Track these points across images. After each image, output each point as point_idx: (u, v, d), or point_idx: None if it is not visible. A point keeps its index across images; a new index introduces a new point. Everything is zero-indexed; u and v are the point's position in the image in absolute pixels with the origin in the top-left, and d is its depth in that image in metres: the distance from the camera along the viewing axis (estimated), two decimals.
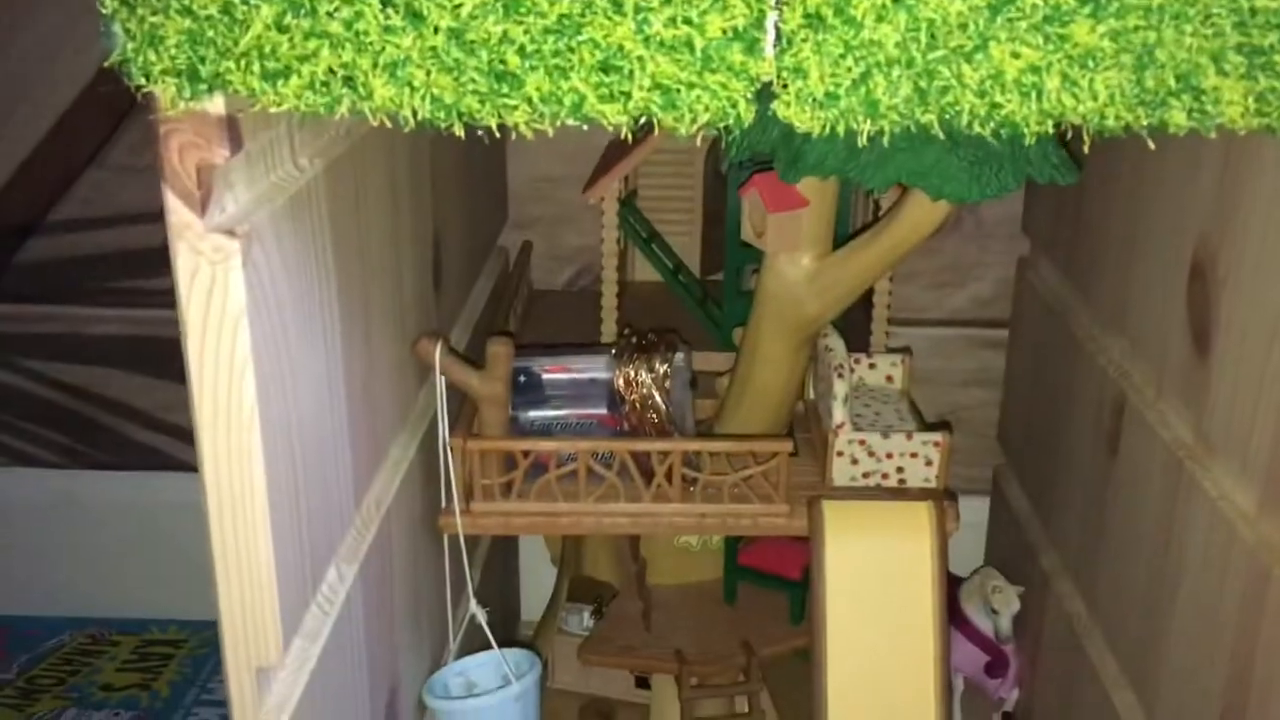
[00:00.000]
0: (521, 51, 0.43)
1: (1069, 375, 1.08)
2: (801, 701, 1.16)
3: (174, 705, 1.29)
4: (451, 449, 0.82)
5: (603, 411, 0.87)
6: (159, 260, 1.30)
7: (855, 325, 1.02)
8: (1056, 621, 1.09)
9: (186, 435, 1.52)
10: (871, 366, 0.98)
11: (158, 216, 0.50)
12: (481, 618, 0.85)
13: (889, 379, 0.98)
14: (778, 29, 0.44)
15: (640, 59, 0.43)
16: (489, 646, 0.88)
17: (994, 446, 1.37)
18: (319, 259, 0.60)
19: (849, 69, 0.43)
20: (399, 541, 0.78)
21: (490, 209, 1.19)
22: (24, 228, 1.33)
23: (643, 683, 1.18)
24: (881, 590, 0.83)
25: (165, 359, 1.36)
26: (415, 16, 0.42)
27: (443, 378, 0.81)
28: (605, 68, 0.43)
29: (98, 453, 1.42)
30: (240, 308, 0.49)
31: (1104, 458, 0.98)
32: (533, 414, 0.87)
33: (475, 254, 1.10)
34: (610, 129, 0.45)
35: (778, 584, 1.05)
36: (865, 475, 0.87)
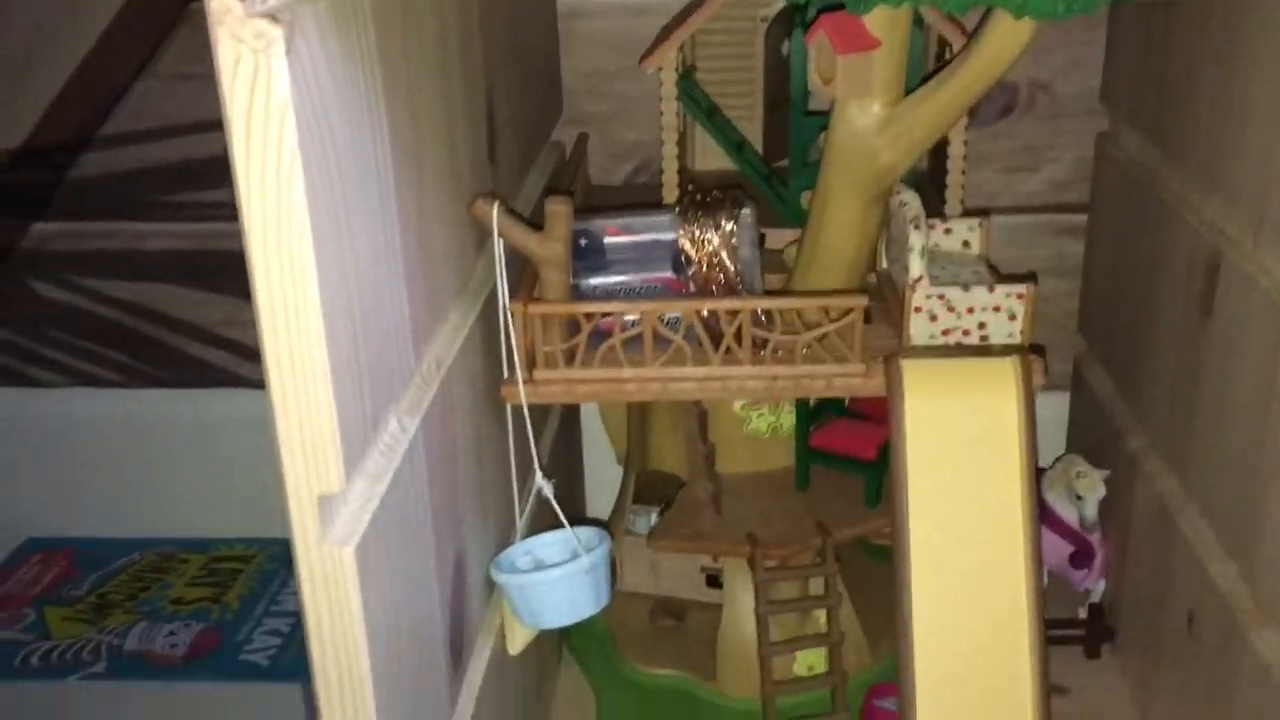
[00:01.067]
0: None
1: (1155, 244, 1.03)
2: (875, 600, 1.14)
3: (244, 617, 1.28)
4: (512, 314, 0.79)
5: (668, 274, 0.83)
6: (213, 172, 1.29)
7: (926, 202, 0.97)
8: (1146, 502, 1.04)
9: (246, 351, 1.51)
10: (947, 232, 0.93)
11: (210, 126, 0.47)
12: (548, 491, 0.82)
13: (966, 245, 0.93)
14: None
15: None
16: (557, 527, 0.85)
17: (1072, 339, 1.32)
18: (366, 79, 0.57)
19: None
20: (461, 407, 0.76)
21: (544, 98, 1.15)
22: (76, 144, 1.32)
23: (713, 581, 1.15)
24: (966, 453, 0.79)
25: (222, 273, 1.34)
26: None
27: (501, 241, 0.77)
28: None
29: (157, 370, 1.41)
30: (286, 98, 0.46)
31: (1196, 321, 0.93)
32: (594, 280, 0.83)
33: (530, 141, 1.07)
34: None
35: (852, 466, 1.01)
36: (945, 333, 0.82)
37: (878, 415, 1.03)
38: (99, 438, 1.42)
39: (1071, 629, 1.15)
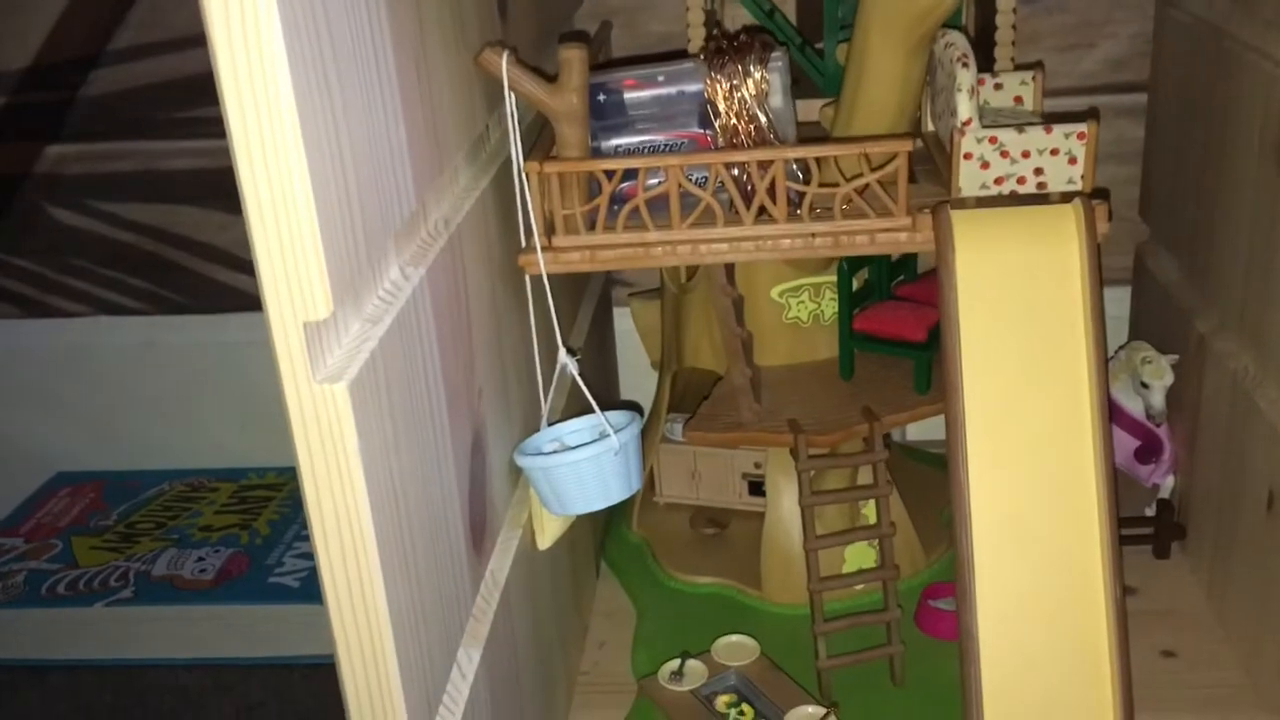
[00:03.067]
0: None
1: (1224, 102, 0.95)
2: (929, 505, 1.08)
3: (274, 542, 1.24)
4: (526, 175, 0.73)
5: (695, 130, 0.77)
6: None
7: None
8: (1218, 384, 0.97)
9: None
10: (997, 87, 0.86)
11: None
12: (573, 368, 0.77)
13: (1018, 100, 0.86)
14: None
15: None
16: (586, 413, 0.80)
17: (1133, 230, 1.25)
18: None
19: None
20: (475, 273, 0.70)
21: None
22: (86, 60, 1.28)
23: (756, 489, 1.09)
24: (1025, 311, 0.73)
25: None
26: None
27: (513, 95, 0.72)
28: None
29: (182, 296, 1.37)
30: None
31: (1273, 176, 0.86)
32: (615, 141, 0.77)
33: (547, 18, 1.00)
34: None
35: (900, 350, 0.95)
36: (998, 181, 0.75)
37: (927, 299, 0.97)
38: (125, 367, 1.39)
39: (1139, 528, 1.08)
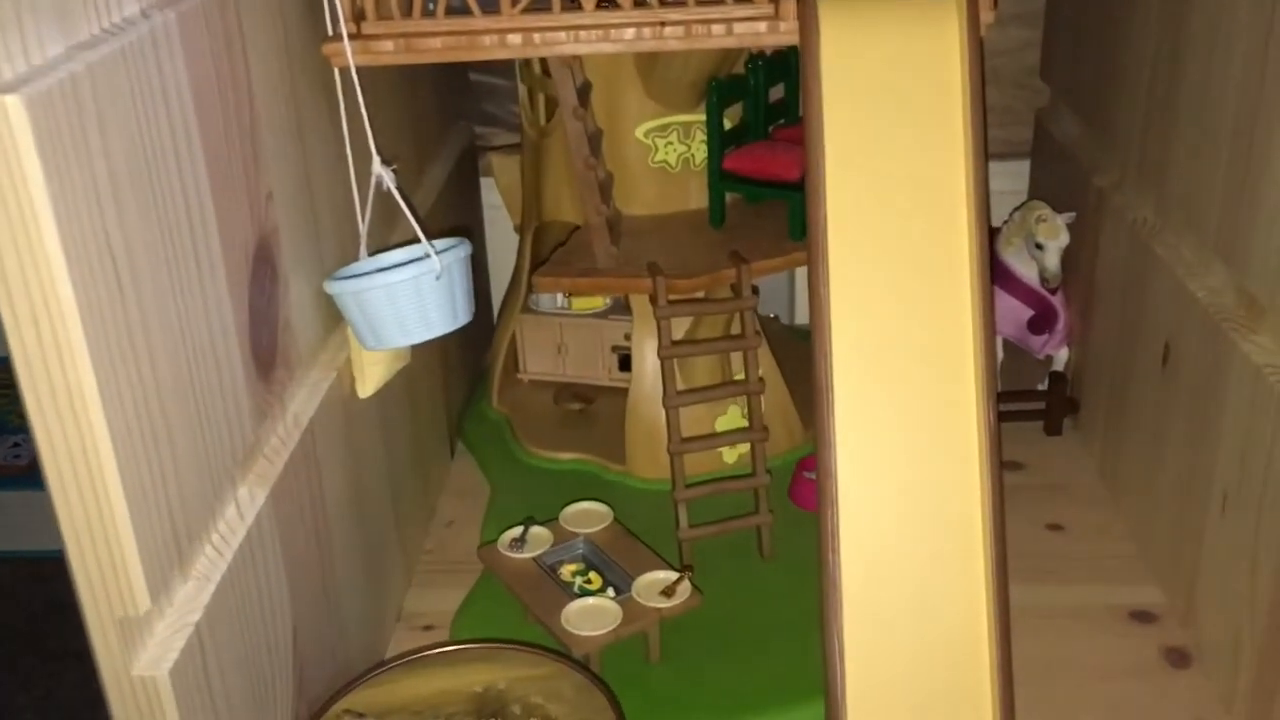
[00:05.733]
0: None
1: None
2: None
3: None
4: None
5: None
6: None
7: None
8: (1116, 238, 0.90)
9: None
10: None
11: None
12: (389, 180, 0.67)
13: None
14: None
15: None
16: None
17: (1032, 100, 1.17)
18: None
19: None
20: (260, 55, 0.60)
21: None
22: None
23: (627, 364, 1.00)
24: (897, 113, 0.64)
25: None
26: None
27: None
28: None
29: None
30: None
31: (1172, 33, 0.78)
32: None
33: None
34: None
35: (773, 191, 0.86)
36: None
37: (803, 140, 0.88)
38: None
39: (1030, 402, 1.02)
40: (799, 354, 1.04)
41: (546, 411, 1.04)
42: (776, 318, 1.19)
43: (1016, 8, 1.15)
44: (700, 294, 0.83)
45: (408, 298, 0.65)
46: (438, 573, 0.88)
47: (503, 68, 1.17)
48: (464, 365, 1.08)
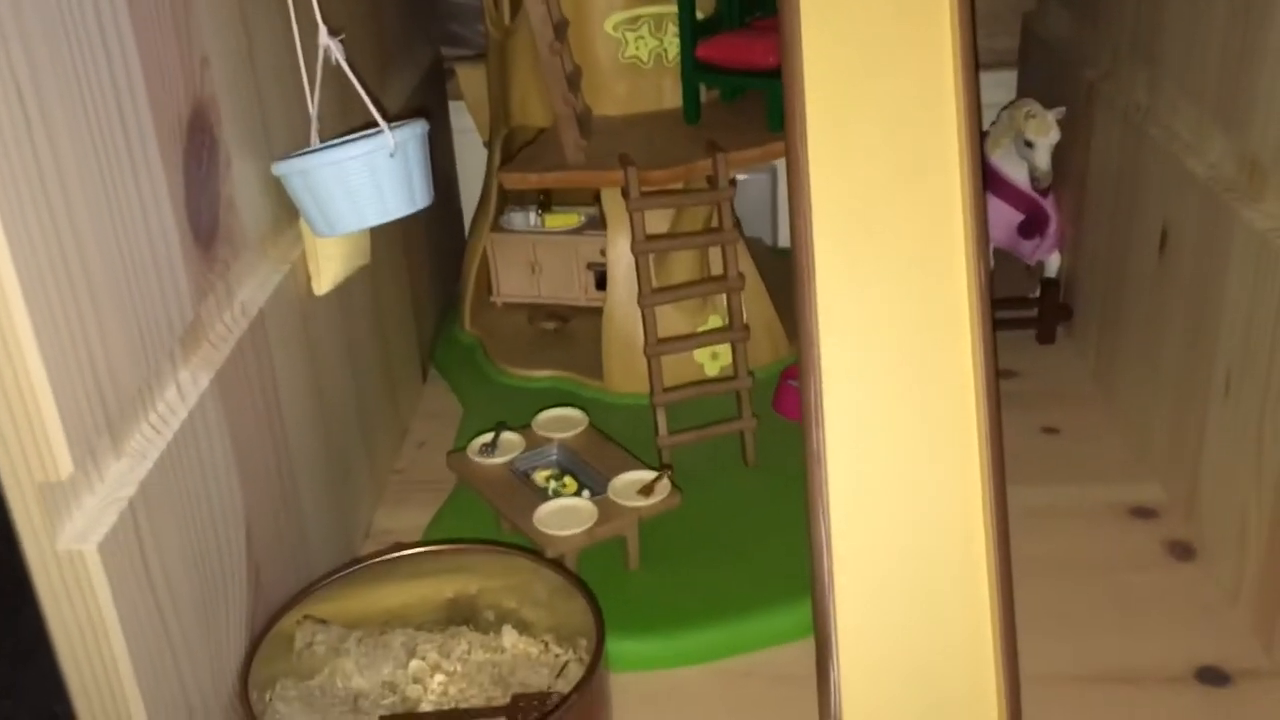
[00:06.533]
0: None
1: None
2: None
3: None
4: None
5: None
6: None
7: None
8: (1108, 128, 0.87)
9: None
10: None
11: None
12: (338, 53, 0.63)
13: None
14: None
15: None
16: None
17: (1017, 3, 1.14)
18: None
19: None
20: None
21: None
22: None
23: (603, 282, 0.96)
24: (880, 27, 0.60)
25: None
26: None
27: None
28: None
29: None
30: None
31: None
32: None
33: None
34: None
35: (749, 80, 0.82)
36: None
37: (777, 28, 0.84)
38: None
39: (1022, 309, 0.98)
40: (783, 272, 1.00)
41: (521, 332, 1.00)
42: (759, 240, 1.15)
43: None
44: (677, 185, 0.79)
45: (360, 176, 0.61)
46: (409, 491, 0.84)
47: None
48: (434, 290, 1.04)
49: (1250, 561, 0.66)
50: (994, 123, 0.98)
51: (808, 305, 0.57)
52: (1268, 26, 0.63)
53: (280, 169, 0.62)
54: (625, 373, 0.88)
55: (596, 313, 0.93)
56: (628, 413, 0.87)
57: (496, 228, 1.00)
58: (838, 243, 0.59)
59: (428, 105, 1.06)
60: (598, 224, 0.97)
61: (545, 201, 1.02)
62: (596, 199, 0.96)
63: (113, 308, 0.47)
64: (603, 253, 0.95)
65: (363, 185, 0.62)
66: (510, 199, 1.03)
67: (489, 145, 1.00)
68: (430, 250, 1.03)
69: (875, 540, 0.58)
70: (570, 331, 0.99)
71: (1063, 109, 0.92)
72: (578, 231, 1.00)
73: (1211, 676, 0.64)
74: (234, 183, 0.60)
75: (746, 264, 0.83)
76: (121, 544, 0.46)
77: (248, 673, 0.56)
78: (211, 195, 0.57)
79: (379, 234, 0.80)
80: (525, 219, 1.02)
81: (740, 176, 1.12)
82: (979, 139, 0.63)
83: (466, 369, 0.98)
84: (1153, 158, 0.78)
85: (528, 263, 1.01)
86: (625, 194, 0.76)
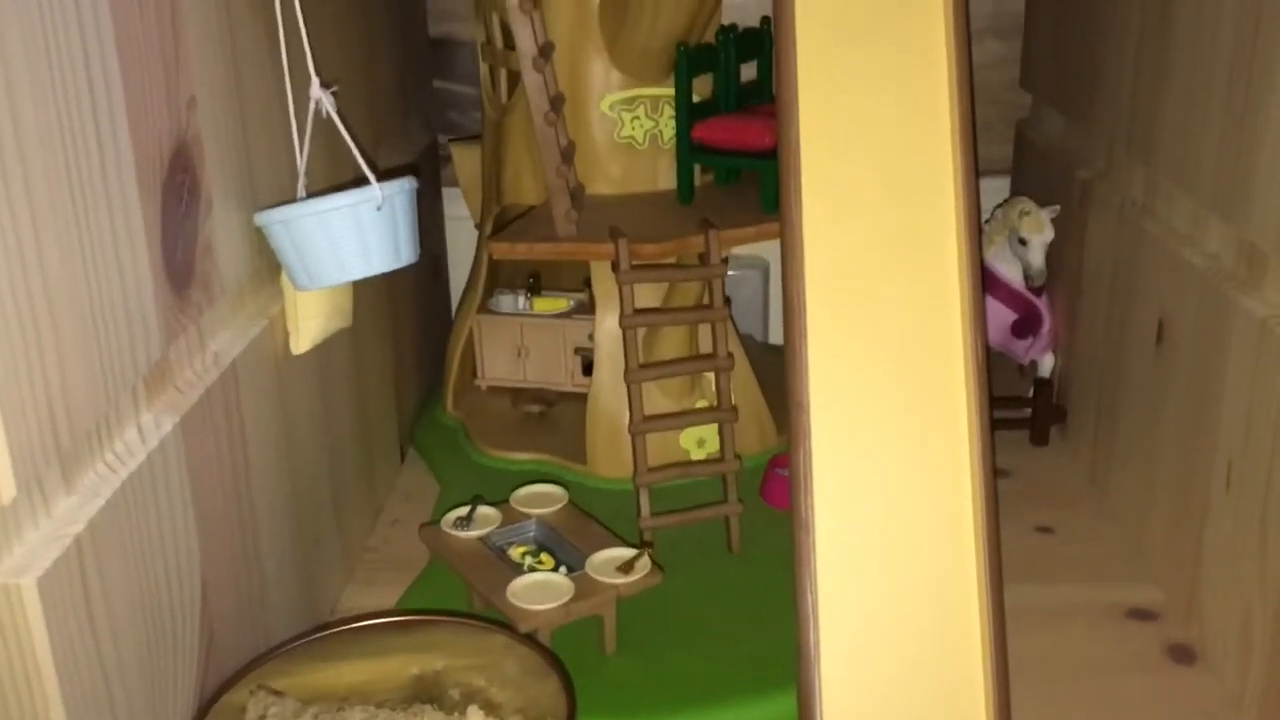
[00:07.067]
0: None
1: None
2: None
3: None
4: None
5: None
6: None
7: None
8: (1103, 227, 0.86)
9: None
10: None
11: None
12: (329, 105, 0.62)
13: None
14: None
15: None
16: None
17: (1011, 113, 1.15)
18: None
19: None
20: None
21: None
22: None
23: (591, 368, 0.95)
24: (873, 51, 0.60)
25: None
26: None
27: None
28: None
29: None
30: None
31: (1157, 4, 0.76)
32: None
33: None
34: None
35: (744, 162, 0.82)
36: None
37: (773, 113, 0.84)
38: None
39: (1015, 409, 0.96)
40: (775, 367, 0.99)
41: (504, 416, 0.98)
42: (751, 336, 1.14)
43: (992, 22, 1.13)
44: (669, 261, 0.78)
45: (345, 228, 0.60)
46: (380, 569, 0.81)
47: (466, 75, 1.14)
48: (418, 373, 1.03)
49: (1255, 665, 0.63)
50: (987, 221, 0.98)
51: (799, 370, 0.56)
52: (1264, 114, 0.62)
53: (263, 219, 0.61)
54: (609, 456, 0.86)
55: (582, 398, 0.91)
56: (611, 498, 0.84)
57: (484, 309, 0.99)
58: (833, 311, 0.58)
59: (421, 185, 1.06)
60: (587, 309, 0.96)
61: (535, 285, 1.01)
62: (587, 284, 0.94)
63: (73, 334, 0.45)
64: (591, 337, 0.94)
65: (347, 238, 0.60)
66: (499, 282, 1.01)
67: (479, 227, 0.99)
68: (416, 331, 1.01)
69: (865, 612, 0.55)
70: (555, 416, 0.97)
71: (1057, 207, 0.92)
72: (566, 315, 0.98)
73: None
74: (213, 227, 0.58)
75: (736, 348, 0.82)
76: (64, 582, 0.43)
77: None
78: (189, 236, 0.56)
79: (363, 310, 0.79)
80: (514, 302, 1.01)
81: (732, 273, 1.12)
82: (977, 214, 0.62)
83: (447, 450, 0.95)
84: (1148, 251, 0.78)
85: (514, 345, 1.00)
86: (615, 267, 0.74)
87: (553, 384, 0.99)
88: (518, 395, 1.00)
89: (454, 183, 1.10)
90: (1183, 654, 0.70)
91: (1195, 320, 0.70)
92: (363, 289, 0.80)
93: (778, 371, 0.95)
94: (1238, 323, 0.64)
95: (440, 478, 0.92)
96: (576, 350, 0.99)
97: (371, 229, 0.61)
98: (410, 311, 0.99)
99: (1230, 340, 0.65)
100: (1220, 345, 0.67)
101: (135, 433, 0.50)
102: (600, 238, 0.76)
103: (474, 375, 1.02)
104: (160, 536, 0.51)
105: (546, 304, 1.00)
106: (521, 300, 1.01)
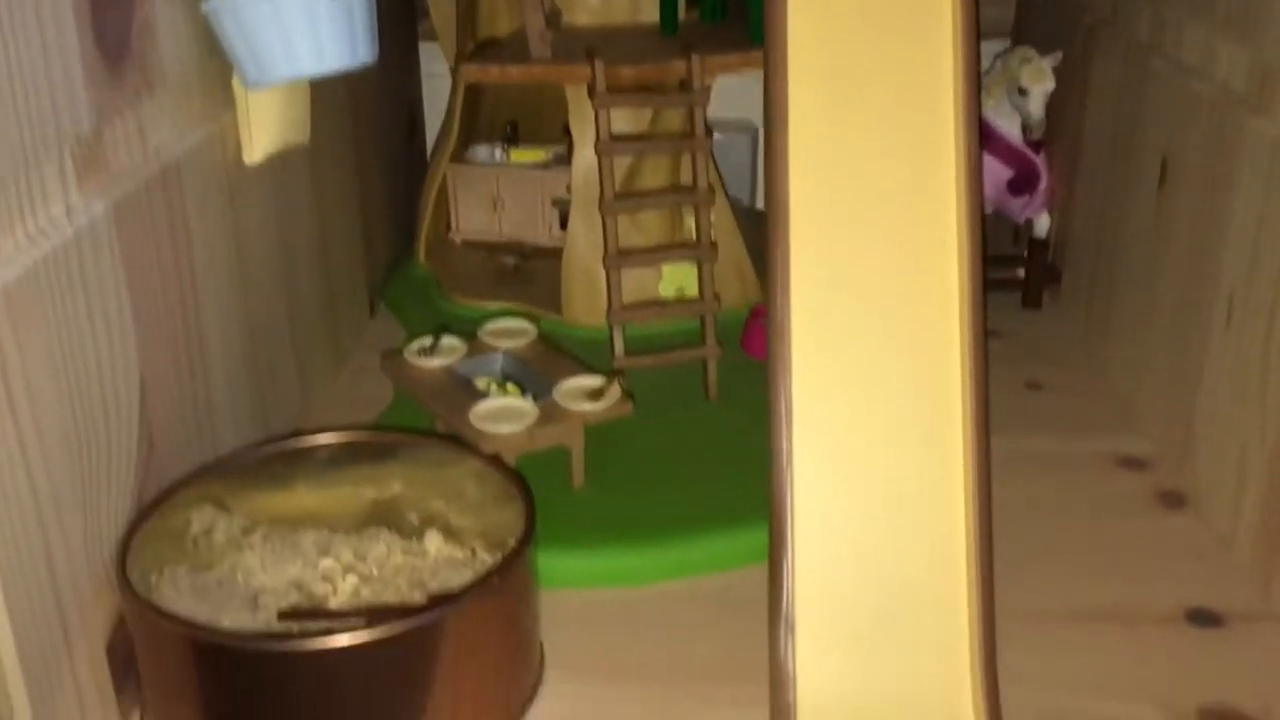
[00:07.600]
0: None
1: None
2: None
3: None
4: None
5: None
6: None
7: None
8: (1106, 67, 0.82)
9: None
10: None
11: None
12: None
13: None
14: None
15: None
16: None
17: None
18: None
19: None
20: None
21: None
22: None
23: (567, 223, 0.91)
24: None
25: None
26: None
27: None
28: None
29: None
30: None
31: None
32: None
33: None
34: None
35: None
36: None
37: None
38: None
39: (1006, 270, 0.93)
40: (760, 228, 0.95)
41: (479, 268, 0.94)
42: (740, 200, 1.10)
43: None
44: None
45: (297, 16, 0.56)
46: (340, 410, 0.78)
47: None
48: (391, 227, 0.98)
49: (1249, 502, 0.61)
50: (986, 72, 0.94)
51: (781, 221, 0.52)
52: None
53: (211, 5, 0.57)
54: (585, 303, 0.83)
55: (559, 253, 0.87)
56: (585, 347, 0.80)
57: (458, 159, 0.95)
58: (818, 179, 0.54)
59: (395, 36, 1.01)
60: (565, 161, 0.92)
61: (512, 135, 0.97)
62: (566, 132, 0.90)
63: None
64: (569, 188, 0.90)
65: (299, 27, 0.56)
66: (476, 134, 0.97)
67: (454, 71, 0.94)
68: (388, 189, 0.97)
69: (841, 438, 0.52)
70: (531, 269, 0.93)
71: (1059, 54, 0.88)
72: (544, 166, 0.94)
73: (1203, 618, 0.58)
74: (154, 6, 0.54)
75: (719, 191, 0.78)
76: None
77: (130, 541, 0.50)
78: (124, 11, 0.51)
79: (329, 155, 0.75)
80: (490, 153, 0.97)
81: (719, 137, 1.07)
82: (977, 63, 0.58)
83: (417, 300, 0.92)
84: (1154, 90, 0.74)
85: (490, 198, 0.96)
86: (591, 91, 0.70)
87: (530, 238, 0.96)
88: (493, 249, 0.96)
89: (432, 36, 1.05)
90: (1174, 500, 0.68)
91: (1202, 152, 0.66)
92: (329, 139, 0.76)
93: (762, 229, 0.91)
94: (1246, 145, 0.61)
95: (408, 326, 0.88)
96: (554, 201, 0.95)
97: (325, 19, 0.57)
98: (383, 166, 0.95)
99: (1239, 165, 0.62)
100: (1227, 174, 0.63)
101: (62, 210, 0.47)
102: (577, 60, 0.72)
103: (448, 229, 0.98)
104: (91, 322, 0.47)
105: (524, 155, 0.96)
106: (498, 151, 0.97)
